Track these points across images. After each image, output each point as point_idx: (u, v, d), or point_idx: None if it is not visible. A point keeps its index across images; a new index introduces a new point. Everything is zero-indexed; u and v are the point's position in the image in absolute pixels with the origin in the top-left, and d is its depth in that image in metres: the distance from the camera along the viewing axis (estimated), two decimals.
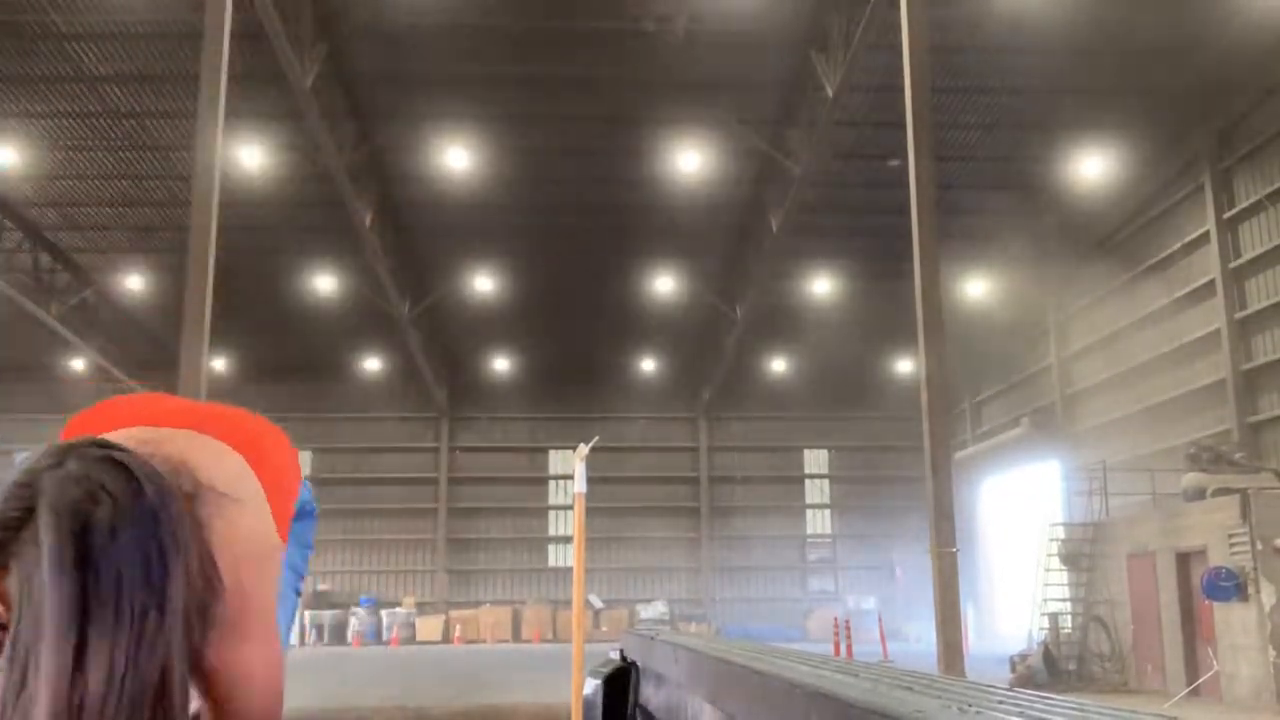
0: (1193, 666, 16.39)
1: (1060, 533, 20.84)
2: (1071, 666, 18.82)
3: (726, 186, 24.66)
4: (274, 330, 32.43)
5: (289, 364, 34.93)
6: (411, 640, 33.25)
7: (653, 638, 4.52)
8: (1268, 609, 14.44)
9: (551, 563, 36.73)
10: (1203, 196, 22.49)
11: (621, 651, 5.10)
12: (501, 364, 36.41)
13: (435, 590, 36.04)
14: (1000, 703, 1.74)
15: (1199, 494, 16.87)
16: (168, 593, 1.04)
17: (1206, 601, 15.60)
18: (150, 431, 1.31)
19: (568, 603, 31.08)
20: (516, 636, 34.13)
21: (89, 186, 24.40)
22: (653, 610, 34.61)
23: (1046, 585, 20.52)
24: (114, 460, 1.07)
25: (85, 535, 1.01)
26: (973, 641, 28.57)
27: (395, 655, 27.99)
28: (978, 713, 1.56)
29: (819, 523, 37.97)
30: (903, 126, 12.53)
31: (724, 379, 34.67)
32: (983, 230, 25.28)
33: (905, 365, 33.52)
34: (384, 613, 34.18)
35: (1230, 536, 15.17)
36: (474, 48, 19.43)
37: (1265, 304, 20.94)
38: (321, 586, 35.72)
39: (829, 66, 18.50)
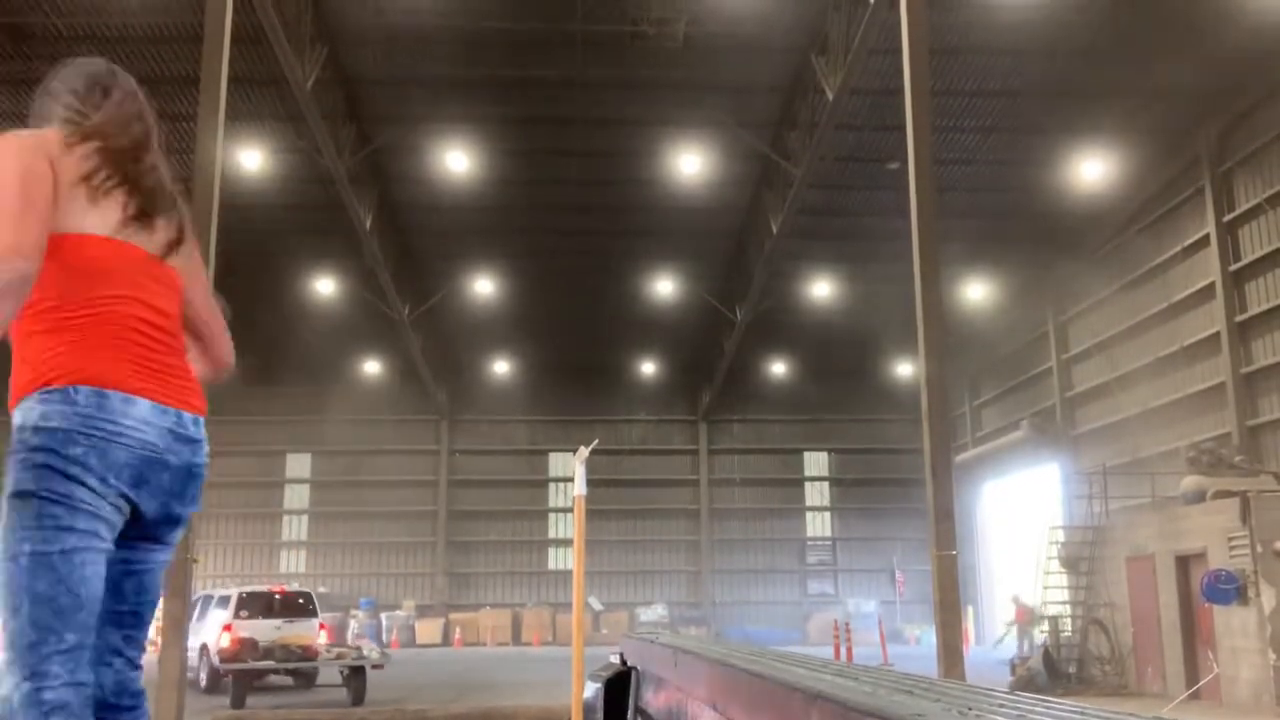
0: (1193, 669, 16.37)
1: (1060, 535, 20.82)
2: (1071, 669, 18.80)
3: (726, 189, 24.66)
4: (274, 332, 32.40)
5: (289, 366, 34.90)
6: (411, 643, 33.21)
7: (652, 641, 4.52)
8: (1268, 612, 14.43)
9: (551, 565, 36.71)
10: (1203, 199, 22.48)
11: (621, 655, 5.09)
12: (501, 366, 36.40)
13: (435, 593, 36.01)
14: (1000, 706, 1.74)
15: (1199, 497, 16.85)
16: None
17: (1206, 604, 15.57)
18: None
19: (568, 605, 31.06)
20: (516, 639, 34.09)
21: None
22: (652, 613, 34.59)
23: (1046, 588, 20.50)
24: None
25: None
26: (973, 644, 28.62)
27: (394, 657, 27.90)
28: (978, 716, 1.56)
29: (819, 525, 37.94)
30: (902, 129, 12.53)
31: (724, 381, 34.66)
32: (982, 233, 25.28)
33: (905, 368, 33.52)
34: (384, 615, 34.14)
35: (1230, 539, 15.16)
36: (473, 50, 19.44)
37: (1265, 307, 20.92)
38: (321, 589, 35.69)
39: (829, 69, 18.49)
